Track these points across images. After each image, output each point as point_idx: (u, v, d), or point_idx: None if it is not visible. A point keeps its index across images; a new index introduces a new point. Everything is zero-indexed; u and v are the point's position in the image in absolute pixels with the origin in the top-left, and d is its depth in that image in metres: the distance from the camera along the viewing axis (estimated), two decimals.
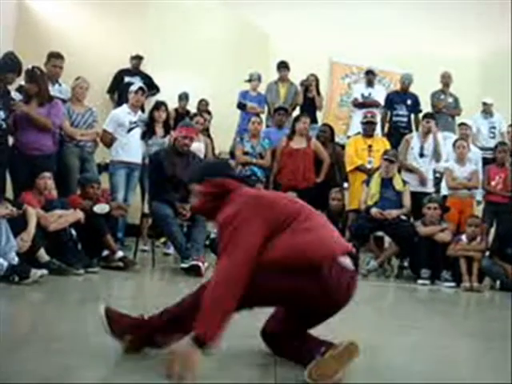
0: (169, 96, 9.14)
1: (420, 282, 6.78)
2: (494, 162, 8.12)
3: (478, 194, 8.14)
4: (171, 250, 7.21)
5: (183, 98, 9.68)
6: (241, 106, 9.46)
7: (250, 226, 2.52)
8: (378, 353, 3.20)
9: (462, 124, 8.81)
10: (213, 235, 7.34)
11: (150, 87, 9.52)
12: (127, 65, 10.06)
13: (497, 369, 3.06)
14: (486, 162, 8.49)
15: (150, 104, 8.34)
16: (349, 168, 8.11)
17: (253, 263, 2.47)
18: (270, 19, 10.94)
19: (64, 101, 7.29)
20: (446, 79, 9.83)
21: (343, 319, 3.54)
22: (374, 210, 7.15)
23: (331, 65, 11.68)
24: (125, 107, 7.62)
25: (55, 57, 7.41)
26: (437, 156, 8.07)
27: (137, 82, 8.76)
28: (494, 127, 9.53)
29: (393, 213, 7.13)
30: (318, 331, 2.90)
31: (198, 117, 8.26)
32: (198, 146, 7.40)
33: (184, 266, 5.78)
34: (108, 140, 7.41)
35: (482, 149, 9.09)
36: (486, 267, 6.88)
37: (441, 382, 2.73)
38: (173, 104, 9.34)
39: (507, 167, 8.00)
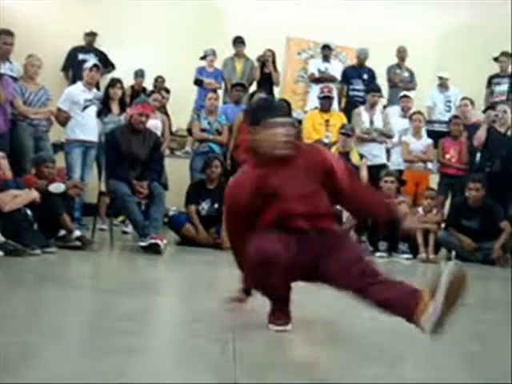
0: (125, 73, 9.05)
1: (378, 254, 6.88)
2: (449, 135, 8.24)
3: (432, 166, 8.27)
4: (129, 229, 7.17)
5: (139, 74, 9.57)
6: (197, 83, 9.41)
7: None
8: (338, 326, 3.25)
9: (403, 96, 8.93)
10: (171, 212, 7.32)
11: (105, 64, 9.39)
12: (81, 42, 9.90)
13: (453, 336, 3.13)
14: (442, 135, 8.60)
15: (105, 81, 8.23)
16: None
17: None
18: None
19: (15, 79, 7.15)
20: (402, 54, 9.90)
21: (301, 293, 3.58)
22: None
23: (288, 40, 11.62)
24: (79, 85, 7.51)
25: (5, 34, 7.25)
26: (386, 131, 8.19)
27: (91, 59, 8.61)
28: (449, 101, 9.66)
29: None
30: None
31: (155, 94, 8.19)
32: (154, 124, 7.32)
33: (142, 244, 5.75)
34: (63, 118, 7.29)
35: (438, 122, 9.22)
36: (441, 239, 7.01)
37: (398, 350, 2.79)
38: (129, 81, 9.24)
39: (462, 140, 8.12)
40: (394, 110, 8.89)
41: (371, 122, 8.19)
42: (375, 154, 8.09)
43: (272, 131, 2.90)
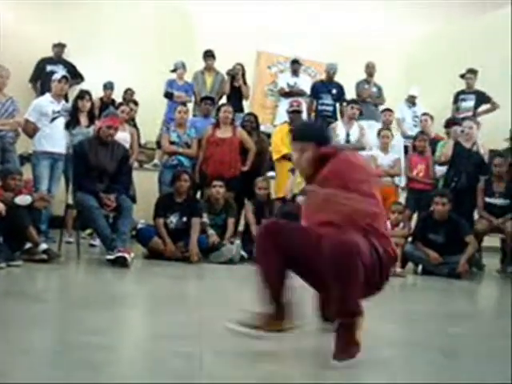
0: (94, 85, 9.01)
1: None
2: (415, 150, 8.36)
3: (401, 181, 8.35)
4: (97, 242, 7.11)
5: (108, 87, 9.55)
6: (167, 95, 9.40)
7: None
8: (303, 337, 3.26)
9: (385, 110, 9.05)
10: (140, 225, 7.28)
11: (74, 76, 9.35)
12: (50, 53, 9.84)
13: (418, 349, 3.17)
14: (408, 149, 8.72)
15: (73, 93, 8.18)
16: (275, 157, 8.14)
17: None
18: (196, 8, 10.88)
19: None
20: (370, 69, 10.01)
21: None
22: (299, 199, 7.19)
23: (258, 54, 11.71)
24: (47, 96, 7.45)
25: None
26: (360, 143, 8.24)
27: (60, 71, 8.57)
28: (416, 116, 9.81)
29: None
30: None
31: (124, 106, 8.15)
32: (123, 136, 7.29)
33: (110, 257, 5.71)
34: (30, 130, 7.21)
35: (406, 137, 9.35)
36: (408, 252, 7.07)
37: (364, 365, 2.81)
38: (98, 93, 9.20)
39: (428, 155, 8.22)
40: (363, 124, 8.96)
41: (347, 135, 8.23)
42: None
43: None
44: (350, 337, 2.72)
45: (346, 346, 2.71)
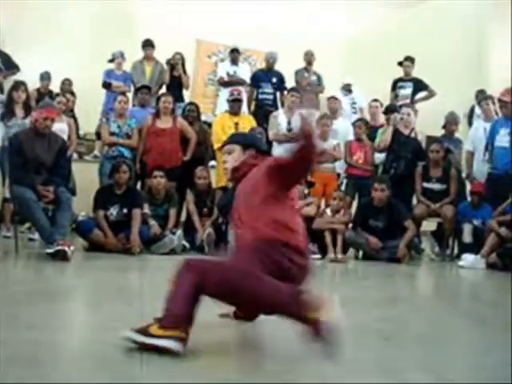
0: (31, 76, 8.82)
1: None
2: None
3: (340, 168, 8.44)
4: (36, 236, 6.97)
5: (45, 77, 9.37)
6: (106, 85, 9.27)
7: None
8: (244, 327, 3.27)
9: (330, 97, 9.11)
10: (80, 218, 7.18)
11: (9, 66, 9.12)
12: None
13: (354, 333, 3.22)
14: None
15: (9, 84, 7.99)
16: (216, 146, 8.11)
17: None
18: None
19: None
20: (309, 57, 10.05)
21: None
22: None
23: (197, 43, 11.66)
24: None
25: None
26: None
27: None
28: (354, 102, 9.92)
29: None
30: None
31: (61, 97, 8.01)
32: (60, 127, 7.17)
33: (49, 251, 5.61)
34: None
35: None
36: (349, 238, 7.18)
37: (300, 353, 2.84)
38: (35, 84, 9.02)
39: (367, 142, 8.33)
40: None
41: (289, 123, 8.27)
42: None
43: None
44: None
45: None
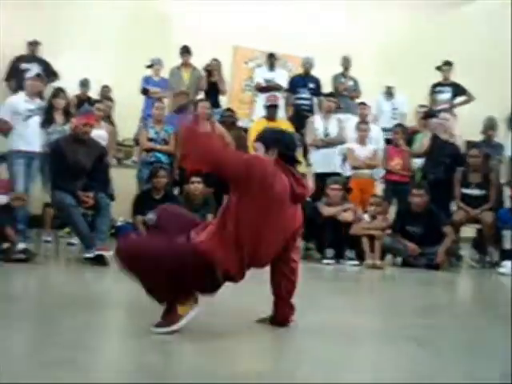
0: (70, 83, 8.93)
1: (325, 261, 6.94)
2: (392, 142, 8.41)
3: (378, 174, 8.39)
4: (75, 240, 7.05)
5: (84, 84, 9.49)
6: (144, 92, 9.36)
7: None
8: (282, 333, 3.27)
9: (360, 104, 9.07)
10: (118, 223, 7.26)
11: (49, 74, 9.27)
12: (24, 51, 9.75)
13: (392, 341, 3.19)
14: (388, 142, 8.74)
15: (49, 91, 8.11)
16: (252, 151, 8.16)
17: None
18: (172, 3, 10.84)
19: None
20: (346, 62, 10.02)
21: (252, 300, 3.60)
22: None
23: (234, 49, 11.69)
24: (22, 95, 7.38)
25: None
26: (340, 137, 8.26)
27: (34, 69, 8.50)
28: (395, 108, 9.82)
29: None
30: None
31: (100, 103, 8.12)
32: (99, 133, 7.25)
33: (88, 255, 5.69)
34: (4, 129, 7.16)
35: (384, 130, 9.35)
36: (387, 245, 7.12)
37: (342, 359, 2.82)
38: (75, 91, 9.14)
39: (405, 148, 8.27)
40: (341, 118, 8.95)
41: (326, 129, 8.26)
42: (327, 161, 8.13)
43: None
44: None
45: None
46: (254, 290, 3.80)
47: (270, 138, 3.27)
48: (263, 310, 3.38)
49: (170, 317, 3.00)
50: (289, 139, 3.33)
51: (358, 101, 9.46)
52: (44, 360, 2.49)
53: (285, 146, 3.23)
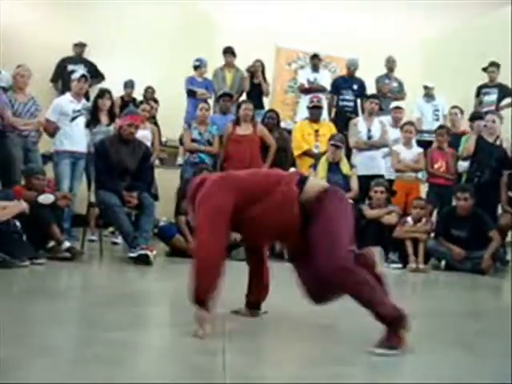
0: (115, 84, 9.04)
1: None
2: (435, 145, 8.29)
3: (421, 176, 8.30)
4: (119, 240, 7.14)
5: (129, 85, 9.58)
6: (189, 93, 9.41)
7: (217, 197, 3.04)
8: (326, 336, 3.24)
9: (395, 108, 8.94)
10: (162, 223, 7.30)
11: (95, 75, 9.40)
12: (70, 52, 9.91)
13: (441, 346, 3.14)
14: (429, 144, 8.64)
15: (94, 92, 8.22)
16: (296, 153, 8.15)
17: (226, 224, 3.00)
18: (215, 4, 10.87)
19: (5, 89, 7.14)
20: (391, 64, 9.95)
21: (293, 302, 3.58)
22: None
23: (277, 50, 11.69)
24: (68, 96, 7.51)
25: None
26: (383, 140, 8.18)
27: (80, 70, 8.62)
28: (437, 110, 9.70)
29: None
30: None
31: (144, 104, 8.20)
32: (144, 134, 7.33)
33: (132, 255, 5.73)
34: (51, 129, 7.28)
35: (426, 132, 9.25)
36: (431, 248, 7.03)
37: (387, 363, 2.78)
38: (119, 92, 9.24)
39: (449, 150, 8.16)
40: (384, 120, 8.89)
41: (369, 131, 8.20)
42: (370, 164, 8.06)
43: None
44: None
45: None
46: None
47: None
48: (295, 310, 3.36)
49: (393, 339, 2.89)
50: None
51: (393, 104, 9.32)
52: (90, 357, 2.51)
53: None
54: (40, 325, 3.09)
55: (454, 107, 9.09)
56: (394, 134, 8.53)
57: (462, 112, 9.03)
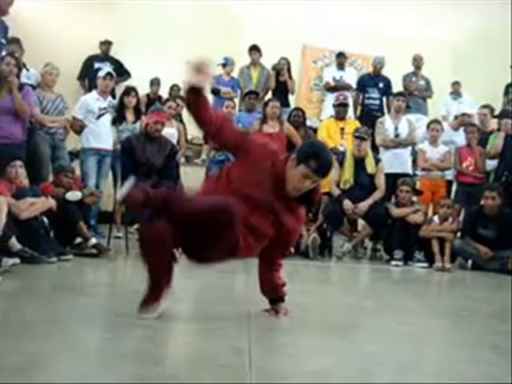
0: (141, 81, 9.08)
1: (393, 263, 6.83)
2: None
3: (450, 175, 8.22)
4: None
5: (155, 83, 9.63)
6: (214, 91, 9.42)
7: None
8: (352, 334, 3.23)
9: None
10: None
11: (121, 73, 9.46)
12: (97, 50, 9.98)
13: (468, 346, 3.11)
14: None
15: (121, 90, 8.26)
16: None
17: None
18: (241, 3, 10.88)
19: (33, 87, 7.21)
20: (418, 62, 9.89)
21: (318, 300, 3.58)
22: (346, 204, 7.05)
23: (303, 48, 11.65)
24: (94, 93, 7.56)
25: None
26: (411, 138, 8.11)
27: (106, 68, 8.68)
28: None
29: (364, 206, 7.03)
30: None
31: (170, 102, 8.23)
32: (170, 132, 7.36)
33: None
34: (78, 127, 7.32)
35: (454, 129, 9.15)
36: (457, 247, 6.96)
37: (414, 361, 2.77)
38: (145, 89, 9.28)
39: (478, 148, 8.07)
40: (411, 118, 8.80)
41: (396, 129, 8.12)
42: (397, 162, 7.97)
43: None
44: None
45: None
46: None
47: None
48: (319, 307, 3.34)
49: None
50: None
51: (429, 102, 9.24)
52: (118, 354, 2.53)
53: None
54: (67, 321, 3.11)
55: (484, 107, 8.90)
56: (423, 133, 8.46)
57: (492, 111, 8.90)
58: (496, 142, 7.81)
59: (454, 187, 8.20)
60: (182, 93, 9.52)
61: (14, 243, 4.97)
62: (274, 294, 3.50)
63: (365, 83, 9.53)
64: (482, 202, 7.00)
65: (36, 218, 5.34)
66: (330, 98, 9.20)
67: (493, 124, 8.75)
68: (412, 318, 3.76)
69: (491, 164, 8.00)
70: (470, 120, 8.60)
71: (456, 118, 8.93)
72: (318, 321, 3.46)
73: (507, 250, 6.75)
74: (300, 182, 3.18)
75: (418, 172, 8.24)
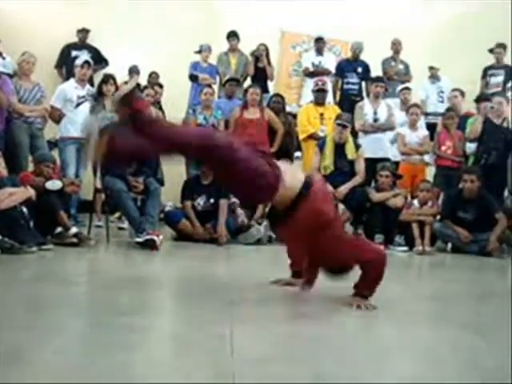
0: (119, 69, 9.01)
1: None
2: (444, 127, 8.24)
3: (428, 158, 8.27)
4: (126, 225, 7.14)
5: (134, 70, 9.54)
6: (192, 78, 9.39)
7: None
8: (331, 318, 3.25)
9: (403, 88, 8.91)
10: (168, 208, 7.32)
11: (98, 60, 9.38)
12: (74, 38, 9.89)
13: (449, 326, 3.15)
14: (434, 127, 8.59)
15: (99, 77, 8.20)
16: (301, 136, 8.13)
17: None
18: None
19: (10, 75, 7.14)
20: (397, 46, 9.89)
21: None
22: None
23: (281, 34, 11.61)
24: (72, 82, 7.51)
25: None
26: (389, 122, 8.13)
27: (83, 56, 8.60)
28: (442, 91, 9.61)
29: (344, 190, 7.11)
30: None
31: (149, 89, 8.17)
32: None
33: (138, 240, 5.74)
34: (56, 116, 7.28)
35: (432, 114, 9.20)
36: (437, 231, 7.03)
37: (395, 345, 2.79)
38: (123, 77, 9.21)
39: (457, 132, 8.12)
40: (391, 103, 8.83)
41: (375, 113, 8.14)
42: (377, 147, 7.99)
43: None
44: None
45: None
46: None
47: None
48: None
49: None
50: None
51: (401, 86, 9.27)
52: (101, 342, 2.53)
53: None
54: (50, 310, 3.10)
55: (454, 90, 8.94)
56: (403, 117, 8.48)
57: (462, 94, 8.93)
58: (475, 126, 7.86)
59: (433, 171, 8.25)
60: (160, 79, 9.52)
61: None
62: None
63: (343, 68, 9.53)
64: (461, 186, 7.06)
65: (15, 207, 5.29)
66: (309, 84, 9.19)
67: (466, 107, 8.81)
68: (393, 302, 3.78)
69: (471, 147, 8.05)
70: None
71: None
72: (298, 307, 3.47)
73: (486, 233, 6.83)
74: None
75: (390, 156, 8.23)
